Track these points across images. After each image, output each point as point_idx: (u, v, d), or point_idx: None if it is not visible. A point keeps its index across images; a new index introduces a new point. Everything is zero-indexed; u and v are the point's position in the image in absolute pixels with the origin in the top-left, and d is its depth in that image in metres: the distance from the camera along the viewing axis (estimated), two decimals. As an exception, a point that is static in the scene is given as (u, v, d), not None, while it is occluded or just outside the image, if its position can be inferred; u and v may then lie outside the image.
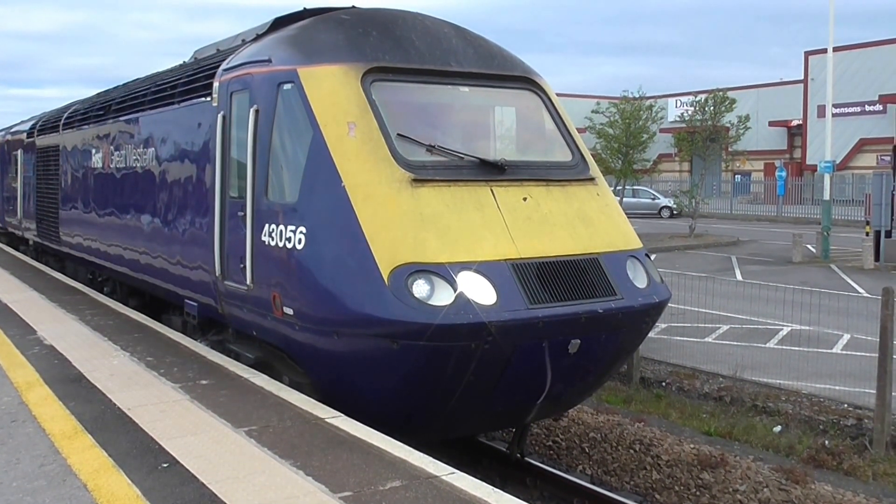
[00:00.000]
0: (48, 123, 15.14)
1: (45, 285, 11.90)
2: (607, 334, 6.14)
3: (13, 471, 4.54)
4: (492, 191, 6.09)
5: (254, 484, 4.27)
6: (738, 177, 51.18)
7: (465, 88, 6.81)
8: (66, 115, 13.89)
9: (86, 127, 12.30)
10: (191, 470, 4.47)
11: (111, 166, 10.86)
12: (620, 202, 7.11)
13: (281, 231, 6.29)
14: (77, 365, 6.91)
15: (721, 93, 31.03)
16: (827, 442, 8.26)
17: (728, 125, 32.38)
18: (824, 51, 26.43)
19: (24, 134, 16.96)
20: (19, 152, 17.30)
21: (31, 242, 16.86)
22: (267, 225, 6.50)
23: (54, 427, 5.29)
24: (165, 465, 4.56)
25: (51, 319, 9.07)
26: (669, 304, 6.81)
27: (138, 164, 9.76)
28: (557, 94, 7.42)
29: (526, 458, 7.69)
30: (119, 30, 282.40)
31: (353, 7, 7.33)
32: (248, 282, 6.71)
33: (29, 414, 5.60)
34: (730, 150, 34.02)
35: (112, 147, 10.85)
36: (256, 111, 6.79)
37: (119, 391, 6.08)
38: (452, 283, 5.49)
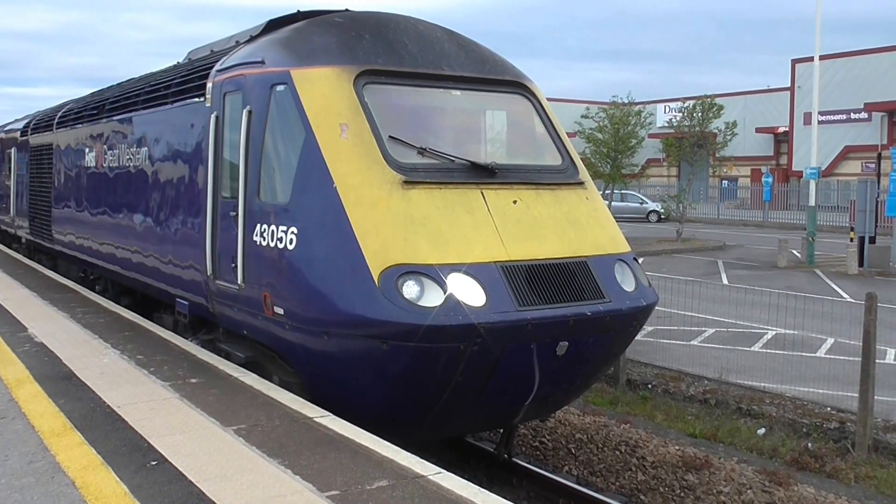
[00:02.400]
0: (42, 122, 15.13)
1: (37, 283, 11.88)
2: (595, 337, 6.19)
3: (1, 467, 4.55)
4: (482, 193, 6.14)
5: (242, 482, 4.28)
6: (724, 182, 51.56)
7: (457, 92, 6.85)
8: (59, 114, 13.88)
9: (79, 126, 12.29)
10: (179, 468, 4.48)
11: (104, 165, 10.86)
12: (609, 206, 7.19)
13: (272, 231, 6.32)
14: (67, 362, 6.91)
15: (709, 99, 31.29)
16: (810, 445, 8.35)
17: (715, 131, 32.66)
18: (811, 59, 26.64)
19: (18, 132, 16.97)
20: (13, 150, 17.31)
21: (23, 240, 16.86)
22: (258, 225, 6.53)
23: (43, 424, 5.30)
24: (154, 463, 4.57)
25: (42, 317, 9.06)
26: (656, 308, 6.88)
27: (131, 164, 9.77)
28: (547, 99, 7.49)
29: (513, 459, 7.73)
30: (112, 30, 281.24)
31: (347, 10, 7.37)
32: (240, 281, 6.74)
33: (18, 411, 5.61)
34: (717, 155, 34.28)
35: (105, 146, 10.84)
36: (249, 112, 6.82)
37: (109, 389, 6.08)
38: (442, 285, 5.54)
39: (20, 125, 17.35)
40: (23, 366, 6.83)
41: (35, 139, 15.24)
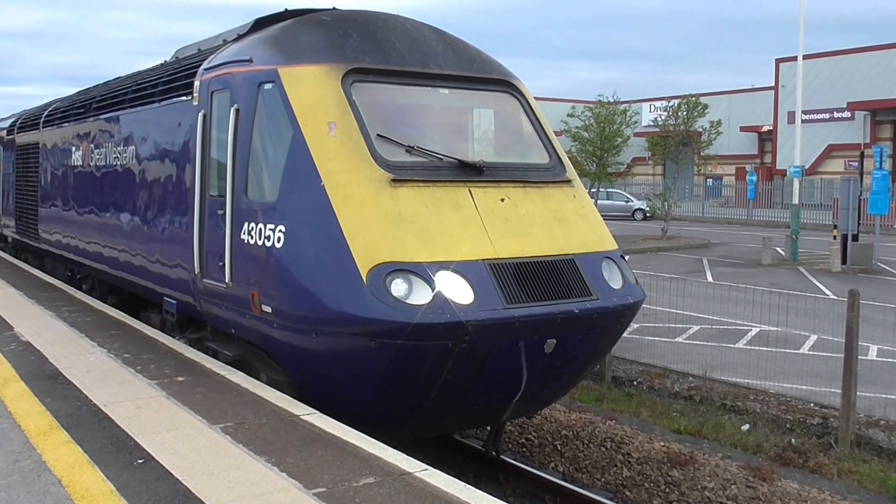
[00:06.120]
0: (28, 121, 15.07)
1: (24, 282, 11.82)
2: (583, 334, 6.23)
3: (-12, 466, 4.54)
4: (470, 191, 6.16)
5: (228, 480, 4.29)
6: (709, 181, 51.84)
7: (445, 90, 6.87)
8: (46, 112, 13.82)
9: (66, 125, 12.23)
10: (166, 466, 4.48)
11: (91, 164, 10.80)
12: (595, 204, 7.20)
13: (260, 230, 6.32)
14: (54, 361, 6.89)
15: (694, 98, 31.49)
16: (793, 440, 8.45)
17: (700, 130, 32.86)
18: (794, 58, 26.86)
19: (5, 131, 16.95)
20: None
21: (9, 239, 16.83)
22: (246, 223, 6.52)
23: (30, 423, 5.28)
24: (140, 462, 4.57)
25: (28, 316, 9.02)
26: (642, 305, 6.93)
27: (118, 163, 9.73)
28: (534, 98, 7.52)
29: (500, 456, 7.76)
30: (96, 28, 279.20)
31: (334, 8, 7.37)
32: (227, 280, 6.73)
33: (5, 410, 5.59)
34: (702, 154, 34.48)
35: (92, 145, 10.79)
36: (237, 110, 6.81)
37: (95, 387, 6.07)
38: (430, 283, 5.56)
39: (6, 124, 17.31)
40: (9, 364, 6.80)
41: (21, 138, 15.16)
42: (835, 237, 21.94)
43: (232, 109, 6.85)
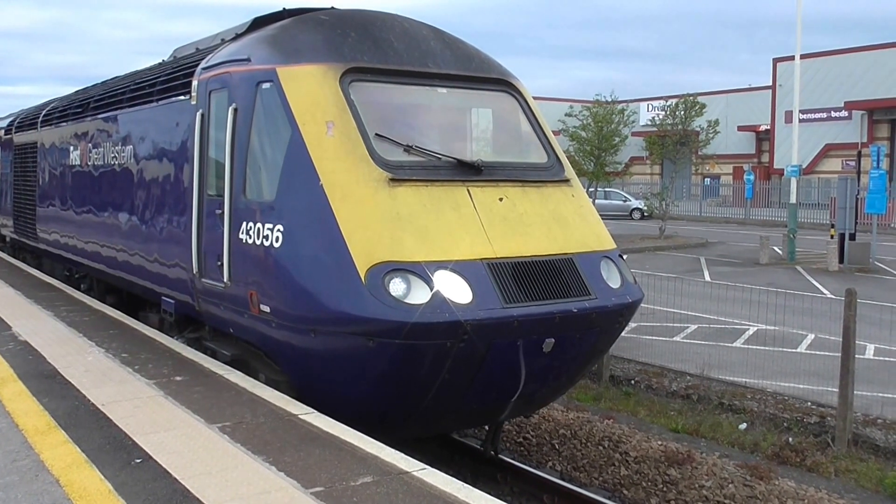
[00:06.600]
0: (26, 120, 15.06)
1: (22, 282, 11.82)
2: (581, 334, 6.23)
3: (-14, 466, 4.54)
4: (468, 191, 6.17)
5: (226, 479, 4.29)
6: (707, 180, 51.89)
7: (443, 90, 6.87)
8: (44, 112, 13.80)
9: (64, 124, 12.22)
10: (164, 465, 4.49)
11: (89, 164, 10.80)
12: (593, 204, 7.22)
13: (258, 229, 6.32)
14: (51, 361, 6.89)
15: (691, 98, 31.52)
16: (791, 439, 8.46)
17: (698, 129, 32.90)
18: (792, 58, 26.96)
19: (2, 131, 16.94)
20: None
21: (7, 239, 16.83)
22: (244, 223, 6.52)
23: (28, 422, 5.29)
24: (138, 461, 4.58)
25: (26, 315, 9.01)
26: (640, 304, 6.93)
27: (116, 162, 9.72)
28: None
29: (498, 455, 7.77)
30: (93, 28, 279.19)
31: (333, 8, 7.37)
32: (226, 279, 6.73)
33: (2, 409, 5.59)
34: (699, 153, 34.52)
35: (90, 145, 10.78)
36: (235, 110, 6.81)
37: (93, 387, 6.07)
38: (429, 282, 5.56)
39: (4, 124, 17.31)
40: (6, 364, 6.80)
41: (19, 137, 15.15)
42: (832, 236, 21.97)
43: (230, 109, 6.84)
